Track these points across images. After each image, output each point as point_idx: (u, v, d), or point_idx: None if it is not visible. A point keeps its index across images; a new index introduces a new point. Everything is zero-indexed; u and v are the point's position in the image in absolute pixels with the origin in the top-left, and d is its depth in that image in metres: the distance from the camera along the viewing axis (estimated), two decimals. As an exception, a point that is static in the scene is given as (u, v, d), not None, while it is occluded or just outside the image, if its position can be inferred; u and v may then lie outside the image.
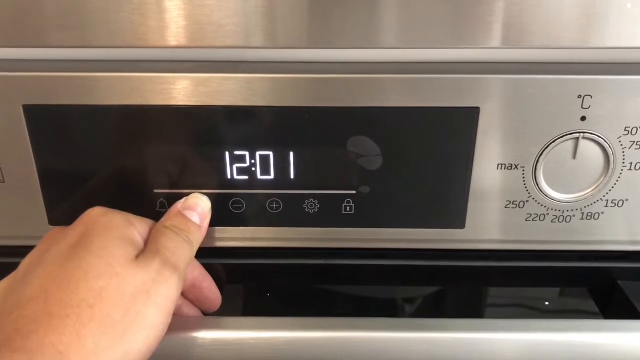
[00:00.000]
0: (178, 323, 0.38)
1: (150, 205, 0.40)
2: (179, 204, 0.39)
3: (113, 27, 0.34)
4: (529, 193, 0.40)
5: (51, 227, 0.41)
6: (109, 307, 0.31)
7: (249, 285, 0.48)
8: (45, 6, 0.34)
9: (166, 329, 0.34)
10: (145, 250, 0.35)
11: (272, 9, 0.34)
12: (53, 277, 0.32)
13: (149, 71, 0.37)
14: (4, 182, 0.40)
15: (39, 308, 0.30)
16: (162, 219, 0.39)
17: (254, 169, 0.39)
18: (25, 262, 0.35)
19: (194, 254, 0.38)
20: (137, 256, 0.34)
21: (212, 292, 0.42)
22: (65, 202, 0.40)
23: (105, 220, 0.36)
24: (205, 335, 0.38)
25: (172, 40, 0.35)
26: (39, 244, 0.37)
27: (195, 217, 0.39)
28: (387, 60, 0.38)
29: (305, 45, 0.35)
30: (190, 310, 0.42)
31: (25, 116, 0.37)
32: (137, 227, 0.37)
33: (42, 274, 0.33)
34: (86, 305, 0.31)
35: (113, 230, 0.35)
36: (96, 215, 0.36)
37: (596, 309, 0.46)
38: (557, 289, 0.48)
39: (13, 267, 0.36)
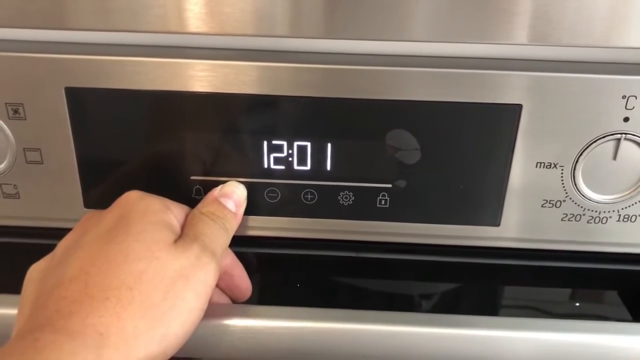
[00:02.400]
0: (208, 310, 0.38)
1: (186, 191, 0.40)
2: (216, 191, 0.39)
3: (156, 12, 0.34)
4: (567, 193, 0.40)
5: (86, 209, 0.41)
6: (149, 290, 0.31)
7: (279, 275, 0.48)
8: (90, -11, 0.34)
9: (202, 314, 0.34)
10: (184, 235, 0.35)
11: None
12: (93, 259, 0.32)
13: (190, 57, 0.37)
14: (42, 163, 0.40)
15: (80, 289, 0.31)
16: (199, 205, 0.39)
17: (290, 159, 0.39)
18: (62, 245, 0.36)
19: (229, 241, 0.38)
20: (176, 241, 0.35)
21: (242, 280, 0.42)
22: (101, 185, 0.41)
23: (143, 204, 0.36)
24: (235, 322, 0.38)
25: (212, 28, 0.35)
26: (76, 227, 0.37)
27: (231, 205, 0.39)
28: (418, 53, 0.38)
29: (337, 36, 0.35)
30: (220, 298, 0.42)
31: (67, 98, 0.38)
32: (173, 211, 0.37)
33: (81, 256, 0.33)
34: (126, 288, 0.31)
35: (151, 214, 0.35)
36: (133, 198, 0.36)
37: (626, 312, 0.45)
38: (588, 290, 0.47)
39: (48, 248, 0.37)
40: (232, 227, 0.39)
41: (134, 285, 0.31)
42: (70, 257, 0.33)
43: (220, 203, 0.39)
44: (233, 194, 0.39)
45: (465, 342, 0.38)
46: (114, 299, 0.30)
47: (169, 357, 0.32)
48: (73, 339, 0.29)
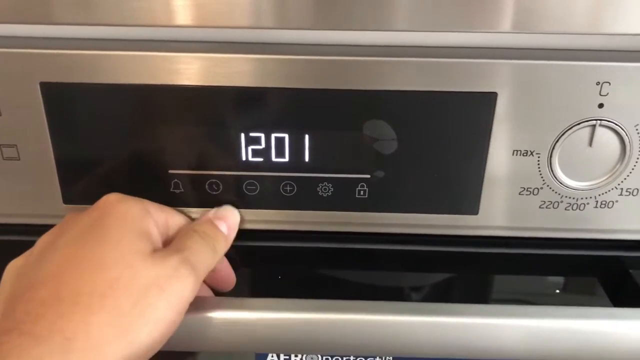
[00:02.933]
0: (192, 303, 0.38)
1: (165, 185, 0.40)
2: (211, 213, 0.40)
3: (131, 6, 0.34)
4: (544, 180, 0.40)
5: (65, 206, 0.41)
6: (120, 298, 0.31)
7: (260, 268, 0.48)
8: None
9: (175, 327, 0.33)
10: (168, 247, 0.36)
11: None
12: (66, 263, 0.32)
13: (165, 50, 0.37)
14: (19, 160, 0.40)
15: (50, 293, 0.31)
16: (193, 223, 0.39)
17: (268, 151, 0.39)
18: (40, 244, 0.35)
19: (216, 262, 0.38)
20: (154, 250, 0.34)
21: (227, 273, 0.42)
22: (80, 181, 0.40)
23: (123, 209, 0.36)
24: (218, 315, 0.38)
25: (187, 20, 0.35)
26: (55, 227, 0.37)
27: (223, 227, 0.39)
28: (400, 43, 0.38)
29: (321, 26, 0.35)
30: (203, 292, 0.42)
31: (42, 93, 0.37)
32: (153, 215, 0.37)
33: (55, 259, 0.33)
34: (97, 294, 0.31)
35: (129, 221, 0.35)
36: (113, 202, 0.36)
37: (606, 298, 0.46)
38: (568, 278, 0.47)
39: (27, 245, 0.36)
40: (221, 249, 0.39)
41: (105, 292, 0.31)
42: (45, 258, 0.33)
43: (213, 224, 0.39)
44: (227, 218, 0.40)
45: (451, 330, 0.39)
46: (84, 305, 0.30)
47: None
48: (39, 344, 0.28)
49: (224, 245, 0.39)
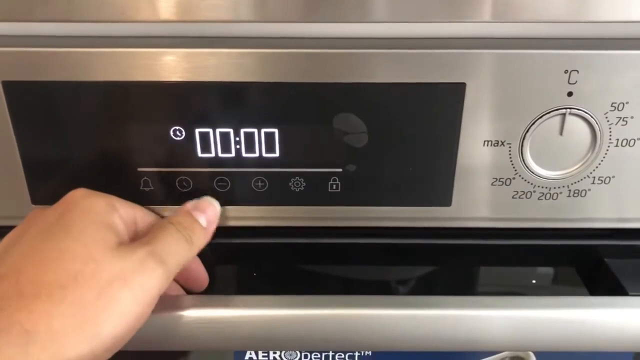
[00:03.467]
0: (165, 302, 0.38)
1: (134, 183, 0.40)
2: (189, 204, 0.39)
3: (98, 1, 0.34)
4: (516, 170, 0.40)
5: (34, 206, 0.41)
6: (82, 290, 0.31)
7: (234, 265, 0.48)
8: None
9: (142, 321, 0.33)
10: (138, 240, 0.35)
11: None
12: (28, 256, 0.32)
13: (132, 46, 0.36)
14: (-15, 160, 0.39)
15: (10, 286, 0.30)
16: (171, 216, 0.38)
17: (238, 146, 0.39)
18: (4, 242, 0.35)
19: (193, 255, 0.37)
20: (120, 243, 0.34)
21: (199, 273, 0.42)
22: (48, 180, 0.40)
23: (87, 203, 0.35)
24: (191, 313, 0.38)
25: (157, 15, 0.34)
26: (20, 224, 0.36)
27: (202, 219, 0.39)
28: (375, 35, 0.38)
29: (292, 19, 0.35)
30: (176, 291, 0.42)
31: (5, 93, 0.37)
32: (119, 211, 0.36)
33: (17, 253, 0.32)
34: (58, 286, 0.30)
35: (94, 214, 0.35)
36: (78, 197, 0.36)
37: (583, 287, 0.46)
38: (545, 268, 0.47)
39: (-4, 246, 0.36)
40: (200, 241, 0.38)
41: (67, 284, 0.30)
42: (7, 254, 0.33)
43: (191, 215, 0.38)
44: (207, 209, 0.39)
45: (430, 323, 0.39)
46: (45, 297, 0.30)
47: (101, 358, 0.31)
48: None
49: (203, 238, 0.38)
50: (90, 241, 0.33)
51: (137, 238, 0.37)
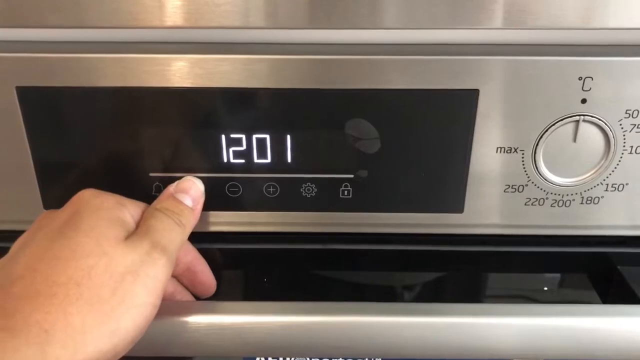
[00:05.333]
0: (172, 307, 0.38)
1: (146, 189, 0.40)
2: (171, 187, 0.39)
3: (110, 7, 0.34)
4: (528, 177, 0.39)
5: (46, 210, 0.41)
6: (97, 286, 0.31)
7: (244, 270, 0.48)
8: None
9: (155, 310, 0.33)
10: (136, 231, 0.35)
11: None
12: (41, 256, 0.32)
13: (145, 52, 0.36)
14: (-3, 165, 0.39)
15: (26, 286, 0.30)
16: (155, 202, 0.38)
17: (250, 152, 0.39)
18: (16, 244, 0.35)
19: (186, 236, 0.38)
20: (127, 237, 0.34)
21: (206, 277, 0.42)
22: (60, 185, 0.40)
23: (97, 202, 0.35)
24: (201, 319, 0.37)
25: (168, 21, 0.34)
26: (31, 226, 0.36)
27: (187, 200, 0.39)
28: (387, 41, 0.38)
29: (303, 25, 0.35)
30: (184, 297, 0.42)
31: (19, 98, 0.37)
32: (128, 208, 0.37)
33: (30, 253, 0.32)
34: (74, 284, 0.31)
35: (103, 210, 0.35)
36: (87, 196, 0.36)
37: (595, 295, 0.45)
38: (557, 275, 0.47)
39: (7, 251, 0.36)
40: (189, 222, 0.38)
41: (81, 280, 0.31)
42: (20, 255, 0.33)
43: (175, 198, 0.38)
44: (190, 189, 0.39)
45: (440, 331, 0.38)
46: (61, 295, 0.30)
47: (121, 353, 0.32)
48: (15, 337, 0.28)
49: (192, 218, 0.38)
50: (101, 236, 0.33)
51: None
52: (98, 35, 0.38)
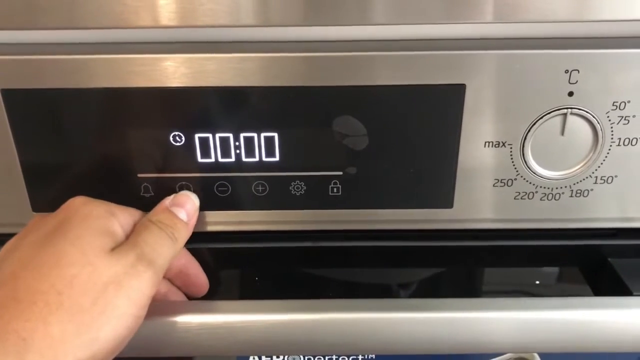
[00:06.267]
0: (164, 307, 0.38)
1: (134, 190, 0.40)
2: (167, 200, 0.39)
3: (95, 7, 0.34)
4: (517, 171, 0.39)
5: (35, 213, 0.41)
6: (79, 295, 0.31)
7: (235, 269, 0.48)
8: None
9: (139, 321, 0.33)
10: (125, 242, 0.35)
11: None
12: (25, 263, 0.32)
13: (130, 52, 0.36)
14: (-15, 168, 0.39)
15: (7, 293, 0.30)
16: (149, 214, 0.38)
17: (238, 151, 0.39)
18: (4, 249, 0.35)
19: (178, 251, 0.38)
20: (114, 248, 0.34)
21: (199, 278, 0.42)
22: (49, 187, 0.40)
23: (86, 210, 0.35)
24: (192, 319, 0.38)
25: (151, 20, 0.34)
26: (21, 231, 0.36)
27: (182, 214, 0.38)
28: (374, 37, 0.37)
29: (289, 22, 0.35)
30: (177, 297, 0.42)
31: (4, 101, 0.37)
32: (118, 217, 0.36)
33: (14, 260, 0.32)
34: (55, 292, 0.30)
35: (92, 220, 0.35)
36: (77, 204, 0.36)
37: (588, 287, 0.45)
38: (549, 268, 0.47)
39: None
40: (182, 237, 0.38)
41: (63, 289, 0.31)
42: (5, 261, 0.33)
43: (170, 212, 0.38)
44: (185, 204, 0.39)
45: (433, 326, 0.39)
46: (41, 303, 0.30)
47: None
48: None
49: (185, 233, 0.38)
50: (86, 246, 0.33)
51: None
52: (85, 37, 0.37)
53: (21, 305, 0.30)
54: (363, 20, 0.35)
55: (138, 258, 0.34)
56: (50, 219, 0.35)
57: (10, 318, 0.29)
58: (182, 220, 0.38)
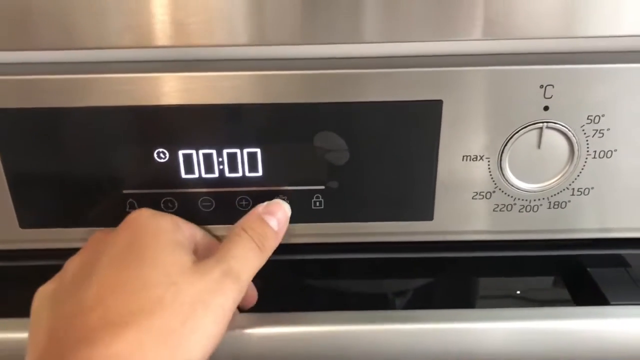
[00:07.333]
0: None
1: (120, 206, 0.40)
2: (260, 207, 0.39)
3: (91, 28, 0.34)
4: (495, 183, 0.40)
5: (22, 230, 0.41)
6: (168, 316, 0.31)
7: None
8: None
9: (222, 338, 0.33)
10: (213, 256, 0.35)
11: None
12: (111, 286, 0.32)
13: (112, 72, 0.37)
14: (-28, 186, 0.40)
15: (100, 317, 0.30)
16: (241, 220, 0.38)
17: (221, 166, 0.39)
18: (72, 267, 0.35)
19: (264, 261, 0.37)
20: (194, 261, 0.34)
21: (250, 288, 0.42)
22: (35, 204, 0.40)
23: (154, 225, 0.35)
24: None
25: (130, 40, 0.35)
26: (84, 248, 0.37)
27: (274, 223, 0.38)
28: (353, 55, 0.38)
29: (268, 42, 0.35)
30: None
31: (-10, 120, 0.37)
32: (182, 228, 0.37)
33: (98, 282, 0.32)
34: (145, 314, 0.31)
35: (162, 236, 0.35)
36: (144, 219, 0.36)
37: (568, 296, 0.46)
38: (529, 278, 0.48)
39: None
40: (271, 247, 0.38)
41: (153, 310, 0.31)
42: (86, 282, 0.33)
43: (263, 220, 0.38)
44: (277, 212, 0.39)
45: (409, 337, 0.39)
46: (135, 326, 0.30)
47: None
48: None
49: (274, 243, 0.38)
50: (167, 264, 0.33)
51: (197, 255, 0.37)
52: (70, 57, 0.38)
53: (116, 328, 0.30)
54: (350, 39, 0.35)
55: (224, 274, 0.34)
56: (118, 237, 0.35)
57: (109, 341, 0.29)
58: (272, 229, 0.38)
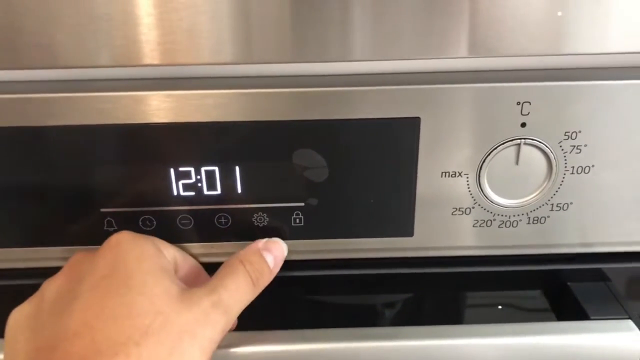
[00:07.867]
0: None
1: (98, 225, 0.40)
2: (260, 243, 0.39)
3: (61, 46, 0.34)
4: (475, 200, 0.40)
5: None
6: (155, 345, 0.31)
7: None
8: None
9: None
10: (203, 284, 0.35)
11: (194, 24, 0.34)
12: (96, 313, 0.31)
13: (90, 91, 0.37)
14: (-53, 206, 0.39)
15: (87, 345, 0.30)
16: (240, 253, 0.38)
17: (199, 184, 0.39)
18: (52, 289, 0.35)
19: (254, 297, 0.37)
20: (181, 290, 0.34)
21: None
22: (11, 223, 0.40)
23: (137, 250, 0.35)
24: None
25: (107, 60, 0.35)
26: (64, 271, 0.36)
27: (270, 259, 0.38)
28: (329, 73, 0.38)
29: (244, 61, 0.35)
30: None
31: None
32: (164, 252, 0.37)
33: (82, 308, 0.32)
34: (133, 343, 0.30)
35: (146, 262, 0.34)
36: (125, 244, 0.35)
37: (550, 311, 0.46)
38: (510, 292, 0.48)
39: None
40: (264, 284, 0.38)
41: (140, 340, 0.30)
42: (69, 307, 0.32)
43: (262, 256, 0.38)
44: (275, 250, 0.39)
45: (398, 353, 0.39)
46: (123, 355, 0.30)
47: None
48: None
49: (268, 280, 0.38)
50: (153, 293, 0.32)
51: (179, 277, 0.36)
52: (53, 75, 0.38)
53: (104, 356, 0.29)
54: (340, 56, 0.35)
55: (214, 305, 0.33)
56: (99, 259, 0.35)
57: None
58: (268, 266, 0.38)
